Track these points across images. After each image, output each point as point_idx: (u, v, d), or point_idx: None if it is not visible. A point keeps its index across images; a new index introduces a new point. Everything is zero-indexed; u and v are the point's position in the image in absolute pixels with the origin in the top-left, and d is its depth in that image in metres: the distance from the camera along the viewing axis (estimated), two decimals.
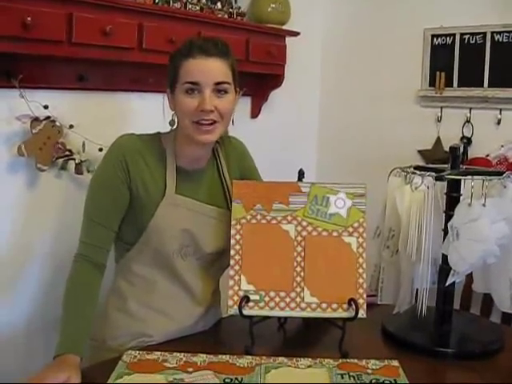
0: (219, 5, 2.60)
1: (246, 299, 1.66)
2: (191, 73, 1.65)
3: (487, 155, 2.85)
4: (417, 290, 1.78)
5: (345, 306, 1.67)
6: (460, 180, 1.76)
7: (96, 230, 1.71)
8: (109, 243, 1.74)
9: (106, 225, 1.71)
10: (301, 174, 1.80)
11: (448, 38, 2.99)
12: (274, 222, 1.73)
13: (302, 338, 1.82)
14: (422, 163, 2.83)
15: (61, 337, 1.54)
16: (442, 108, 3.02)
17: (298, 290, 1.68)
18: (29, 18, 1.84)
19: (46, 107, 2.05)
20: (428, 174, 1.73)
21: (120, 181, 1.69)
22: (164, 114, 1.78)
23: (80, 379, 1.43)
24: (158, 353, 1.60)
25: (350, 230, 1.72)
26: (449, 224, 1.70)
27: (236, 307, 1.65)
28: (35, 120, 2.03)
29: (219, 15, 2.58)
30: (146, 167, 1.72)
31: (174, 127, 1.78)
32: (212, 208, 1.79)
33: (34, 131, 2.02)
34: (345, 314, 1.67)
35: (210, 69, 1.66)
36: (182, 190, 1.75)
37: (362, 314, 1.66)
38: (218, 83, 1.66)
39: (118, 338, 1.76)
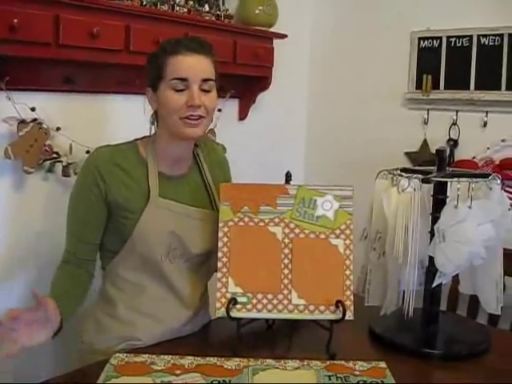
0: (207, 7, 2.59)
1: (233, 301, 1.66)
2: (180, 69, 1.66)
3: (473, 157, 2.87)
4: (404, 291, 1.78)
5: (332, 307, 1.67)
6: (446, 182, 1.77)
7: (77, 243, 1.76)
8: (92, 254, 1.79)
9: (85, 240, 1.75)
10: (288, 177, 1.81)
11: (435, 41, 3.00)
12: (261, 224, 1.73)
13: (289, 339, 1.82)
14: (408, 165, 2.86)
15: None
16: (428, 110, 3.04)
17: (286, 292, 1.69)
18: (15, 20, 1.83)
19: (32, 109, 2.04)
20: (414, 176, 1.74)
21: (94, 195, 1.71)
22: (145, 113, 1.78)
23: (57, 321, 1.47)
24: (146, 355, 1.60)
25: (337, 232, 1.73)
26: (435, 226, 1.71)
27: (224, 309, 1.65)
28: (22, 122, 2.02)
29: (207, 17, 2.58)
30: (125, 176, 1.72)
31: (152, 132, 1.79)
32: (196, 209, 1.79)
33: (20, 133, 2.01)
34: (332, 316, 1.67)
35: (198, 65, 1.68)
36: (165, 194, 1.75)
37: (349, 315, 1.66)
38: (205, 80, 1.68)
39: (107, 341, 1.75)
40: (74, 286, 1.72)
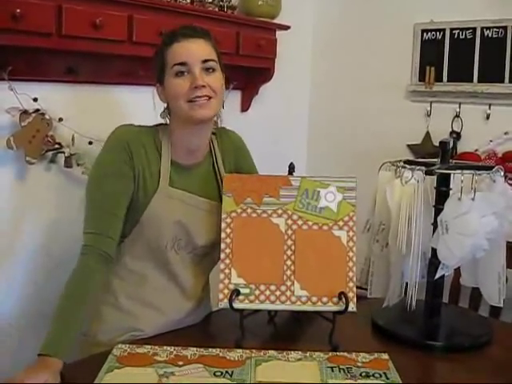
0: None
1: (236, 293, 1.66)
2: (178, 54, 1.67)
3: (476, 150, 2.87)
4: (406, 283, 1.78)
5: (335, 299, 1.67)
6: (449, 174, 1.77)
7: (106, 219, 1.67)
8: (118, 232, 1.69)
9: (116, 213, 1.68)
10: (291, 168, 1.81)
11: (438, 33, 3.00)
12: (264, 215, 1.73)
13: (292, 331, 1.82)
14: (411, 157, 2.86)
15: (48, 335, 1.50)
16: (431, 103, 3.03)
17: (289, 283, 1.68)
18: (18, 10, 1.83)
19: (35, 100, 2.04)
20: (418, 168, 1.74)
21: (127, 166, 1.68)
22: (155, 106, 1.78)
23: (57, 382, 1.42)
24: (149, 346, 1.60)
25: (340, 223, 1.73)
26: (438, 218, 1.71)
27: (226, 301, 1.65)
28: (24, 113, 2.02)
29: (210, 8, 2.58)
30: (146, 159, 1.71)
31: (168, 121, 1.78)
32: (204, 200, 1.78)
33: (23, 124, 2.01)
34: (335, 308, 1.67)
35: (195, 48, 1.68)
36: (176, 183, 1.75)
37: (351, 307, 1.66)
38: (205, 61, 1.68)
39: (109, 333, 1.75)
40: (88, 301, 1.61)
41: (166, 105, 1.77)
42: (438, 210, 1.75)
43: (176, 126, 1.75)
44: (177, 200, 1.73)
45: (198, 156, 1.81)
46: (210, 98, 1.68)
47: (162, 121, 1.80)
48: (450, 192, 1.78)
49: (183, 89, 1.66)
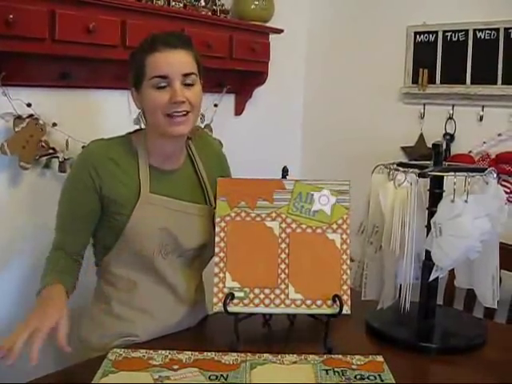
0: (203, 2, 2.59)
1: (230, 296, 1.66)
2: (159, 66, 1.64)
3: (470, 152, 2.87)
4: (400, 285, 1.79)
5: (329, 302, 1.67)
6: (443, 176, 1.78)
7: (67, 237, 1.76)
8: (81, 248, 1.79)
9: (76, 232, 1.76)
10: (285, 172, 1.81)
11: (431, 36, 3.00)
12: (258, 219, 1.73)
13: (286, 334, 1.83)
14: (405, 159, 2.86)
15: (42, 278, 1.64)
16: (424, 105, 3.04)
17: (283, 286, 1.69)
18: (11, 16, 1.83)
19: (29, 105, 2.04)
20: (411, 170, 1.75)
21: (87, 189, 1.70)
22: (130, 111, 1.78)
23: (68, 324, 1.46)
24: (144, 351, 1.60)
25: (334, 226, 1.73)
26: (432, 220, 1.72)
27: (221, 304, 1.66)
28: (18, 118, 2.02)
29: (203, 12, 2.58)
30: (118, 170, 1.71)
31: (143, 126, 1.79)
32: (188, 204, 1.78)
33: (16, 129, 2.01)
34: (329, 311, 1.68)
35: (177, 60, 1.66)
36: (157, 189, 1.74)
37: (346, 310, 1.66)
38: (186, 74, 1.66)
39: (104, 338, 1.75)
40: (70, 265, 1.75)
41: (141, 111, 1.76)
42: (432, 212, 1.76)
43: (151, 135, 1.75)
44: (160, 206, 1.73)
45: (174, 161, 1.80)
46: (188, 112, 1.67)
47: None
48: (444, 194, 1.78)
49: (161, 102, 1.65)
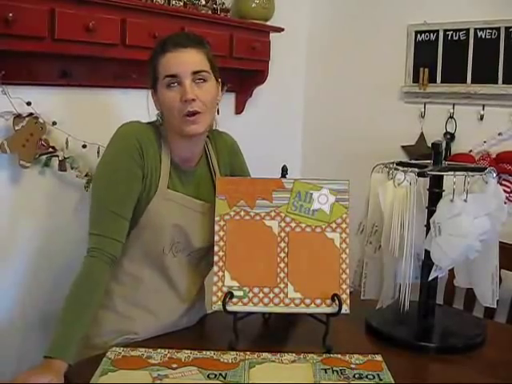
0: (203, 1, 2.59)
1: (229, 295, 1.66)
2: (168, 66, 1.66)
3: (470, 151, 2.87)
4: (400, 284, 1.79)
5: (328, 301, 1.67)
6: (442, 176, 1.78)
7: (112, 220, 1.65)
8: (124, 234, 1.68)
9: (122, 214, 1.66)
10: (284, 171, 1.81)
11: (431, 35, 3.00)
12: (257, 218, 1.73)
13: (285, 333, 1.83)
14: (405, 159, 2.86)
15: (54, 337, 1.50)
16: (425, 104, 3.03)
17: (282, 285, 1.69)
18: (10, 14, 1.83)
19: (28, 104, 2.03)
20: (410, 170, 1.75)
21: (138, 167, 1.68)
22: (148, 111, 1.78)
23: None
24: (143, 349, 1.60)
25: (333, 225, 1.73)
26: (431, 220, 1.72)
27: (220, 303, 1.66)
28: (18, 117, 2.01)
29: (203, 11, 2.57)
30: (154, 158, 1.71)
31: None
32: (201, 203, 1.79)
33: (16, 128, 2.01)
34: (328, 310, 1.68)
35: (186, 59, 1.67)
36: (174, 185, 1.75)
37: (345, 309, 1.66)
38: (196, 72, 1.67)
39: (103, 336, 1.75)
40: (93, 304, 1.61)
41: (160, 112, 1.77)
42: (431, 211, 1.76)
43: (171, 135, 1.75)
44: (174, 203, 1.73)
45: (192, 161, 1.81)
46: (198, 112, 1.67)
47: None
48: (443, 194, 1.78)
49: (174, 101, 1.66)
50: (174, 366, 1.52)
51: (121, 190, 1.67)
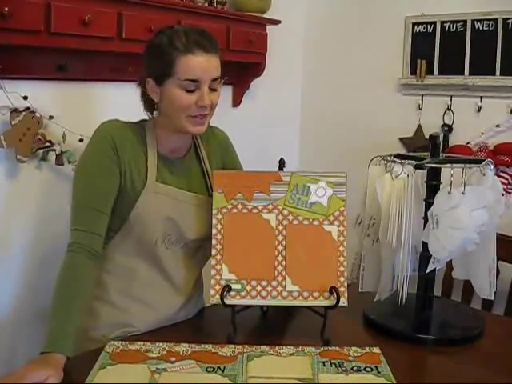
0: None
1: (227, 288, 1.66)
2: (192, 70, 1.64)
3: (468, 143, 2.87)
4: (397, 277, 1.79)
5: (326, 294, 1.68)
6: (440, 168, 1.78)
7: (91, 215, 1.67)
8: (104, 229, 1.69)
9: (100, 209, 1.67)
10: (281, 164, 1.81)
11: (429, 26, 2.99)
12: (254, 211, 1.73)
13: (283, 326, 1.83)
14: (403, 151, 2.86)
15: (48, 332, 1.50)
16: (422, 96, 3.03)
17: (280, 278, 1.69)
18: (6, 8, 1.82)
19: (25, 98, 2.03)
20: (408, 162, 1.74)
21: (111, 161, 1.68)
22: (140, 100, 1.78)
23: (59, 379, 1.40)
24: (141, 343, 1.61)
25: (331, 218, 1.73)
26: (429, 212, 1.72)
27: (218, 296, 1.66)
28: (14, 111, 2.01)
29: (199, 4, 2.57)
30: (132, 153, 1.72)
31: (155, 115, 1.79)
32: (193, 195, 1.79)
33: (13, 122, 2.01)
34: (326, 302, 1.68)
35: (208, 66, 1.66)
36: (163, 178, 1.75)
37: (343, 301, 1.67)
38: (214, 79, 1.68)
39: (101, 329, 1.75)
40: (82, 295, 1.61)
41: (157, 102, 1.75)
42: (429, 203, 1.76)
43: (163, 126, 1.76)
44: (165, 196, 1.74)
45: (180, 151, 1.82)
46: (207, 114, 1.70)
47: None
48: (441, 186, 1.78)
49: (188, 104, 1.66)
50: (173, 359, 1.52)
51: (98, 186, 1.69)
